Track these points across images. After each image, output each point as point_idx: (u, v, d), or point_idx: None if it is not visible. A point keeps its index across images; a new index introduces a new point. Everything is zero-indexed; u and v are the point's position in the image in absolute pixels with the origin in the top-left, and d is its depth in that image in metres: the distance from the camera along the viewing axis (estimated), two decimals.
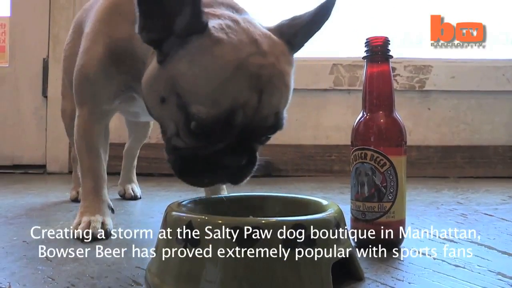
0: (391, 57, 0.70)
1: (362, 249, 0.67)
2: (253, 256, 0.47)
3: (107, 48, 0.76)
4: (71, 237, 0.75)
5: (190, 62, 0.57)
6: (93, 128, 0.83)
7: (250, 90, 0.57)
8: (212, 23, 0.58)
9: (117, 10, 0.76)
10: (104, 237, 0.75)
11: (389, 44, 0.70)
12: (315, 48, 1.84)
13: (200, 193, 0.92)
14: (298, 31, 0.64)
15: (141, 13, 0.57)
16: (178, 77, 0.58)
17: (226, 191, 0.93)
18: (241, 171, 0.63)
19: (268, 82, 0.58)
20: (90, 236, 0.73)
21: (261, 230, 0.47)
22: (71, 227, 0.77)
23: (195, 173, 0.62)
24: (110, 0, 0.78)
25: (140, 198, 1.22)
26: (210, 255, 0.48)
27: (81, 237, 0.73)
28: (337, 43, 1.84)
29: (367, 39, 0.71)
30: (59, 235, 0.77)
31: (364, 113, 0.70)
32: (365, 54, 0.71)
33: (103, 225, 0.77)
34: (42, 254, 0.65)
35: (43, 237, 0.76)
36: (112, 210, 0.85)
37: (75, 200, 1.14)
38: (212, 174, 0.62)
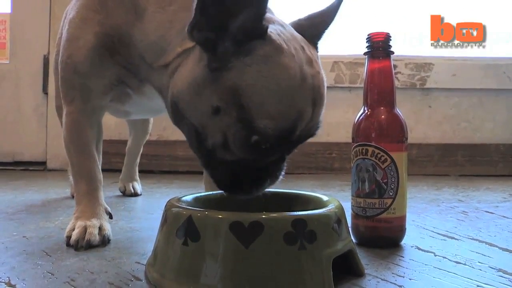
0: (393, 53, 0.70)
1: (362, 245, 0.67)
2: (253, 251, 0.47)
3: (98, 37, 0.69)
4: (65, 244, 0.67)
5: (258, 72, 0.53)
6: (83, 126, 0.76)
7: (308, 103, 0.55)
8: (271, 29, 0.54)
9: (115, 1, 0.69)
10: (101, 244, 0.68)
11: (391, 40, 0.70)
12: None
13: (200, 189, 0.92)
14: (320, 32, 0.63)
15: (198, 8, 0.52)
16: (244, 89, 0.53)
17: None
18: (279, 174, 0.62)
19: (319, 92, 0.57)
20: (84, 243, 0.66)
21: (261, 225, 0.47)
22: (65, 234, 0.69)
23: (245, 186, 0.58)
24: None
25: (141, 195, 1.22)
26: (210, 250, 0.48)
27: (74, 244, 0.66)
28: (338, 40, 1.84)
29: (368, 35, 0.70)
30: (59, 231, 0.76)
31: (365, 109, 0.70)
32: (366, 50, 0.70)
33: (100, 231, 0.69)
34: (42, 249, 0.65)
35: (43, 232, 0.76)
36: (110, 216, 0.76)
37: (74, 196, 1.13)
38: (261, 183, 0.59)
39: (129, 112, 0.92)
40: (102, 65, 0.71)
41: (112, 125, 1.75)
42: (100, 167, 0.79)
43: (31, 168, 1.86)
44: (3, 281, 0.52)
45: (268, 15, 0.56)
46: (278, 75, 0.53)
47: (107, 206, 0.76)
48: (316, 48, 0.62)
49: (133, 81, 0.73)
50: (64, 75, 0.75)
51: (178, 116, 0.61)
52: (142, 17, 0.66)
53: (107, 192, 1.23)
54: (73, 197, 1.13)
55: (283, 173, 0.62)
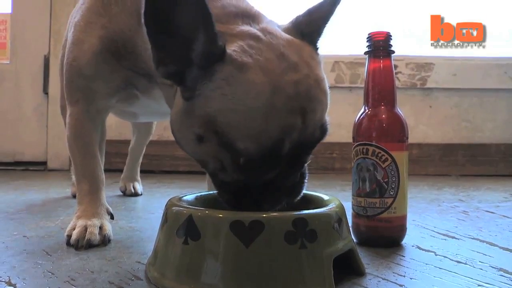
0: (393, 52, 0.70)
1: (363, 245, 0.67)
2: (254, 250, 0.46)
3: (102, 41, 0.69)
4: (65, 243, 0.67)
5: (222, 96, 0.51)
6: (87, 127, 0.76)
7: (292, 113, 0.51)
8: (233, 47, 0.52)
9: (118, 4, 0.69)
10: (101, 244, 0.67)
11: (391, 39, 0.69)
12: None
13: (200, 188, 0.92)
14: (320, 28, 0.60)
15: (153, 45, 0.52)
16: (214, 115, 0.51)
17: None
18: (296, 186, 0.58)
19: (308, 98, 0.53)
20: (85, 242, 0.65)
21: (262, 224, 0.47)
22: (65, 233, 0.69)
23: (253, 204, 0.56)
24: None
25: (141, 195, 1.22)
26: (210, 249, 0.48)
27: (75, 244, 0.66)
28: (338, 40, 1.84)
29: (369, 34, 0.70)
30: (59, 230, 0.76)
31: (366, 108, 0.70)
32: (367, 49, 0.70)
33: (101, 230, 0.69)
34: (42, 248, 0.65)
35: (43, 232, 0.76)
36: (112, 216, 0.76)
37: (76, 196, 1.13)
38: (270, 199, 0.56)
39: (136, 114, 0.91)
40: (108, 69, 0.70)
41: (113, 125, 1.75)
42: (102, 168, 0.79)
43: (32, 168, 1.86)
44: (4, 280, 0.52)
45: (240, 28, 0.55)
46: (243, 94, 0.50)
47: (108, 207, 0.76)
48: (314, 46, 0.59)
49: (143, 83, 0.72)
50: (69, 77, 0.75)
51: (178, 143, 0.60)
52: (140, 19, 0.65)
53: (107, 192, 1.22)
54: (74, 196, 1.13)
55: (304, 185, 0.59)
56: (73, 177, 1.15)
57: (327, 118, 0.59)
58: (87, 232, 0.67)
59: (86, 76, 0.72)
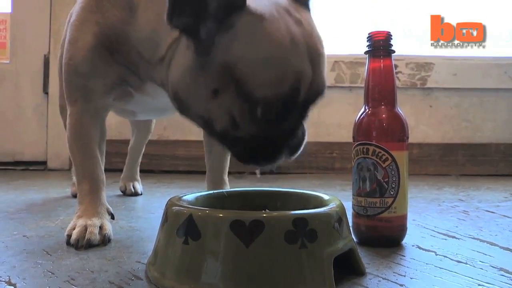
0: (393, 51, 0.70)
1: (363, 245, 0.67)
2: (254, 249, 0.46)
3: (96, 37, 0.70)
4: (65, 243, 0.67)
5: (246, 44, 0.53)
6: (86, 126, 0.76)
7: (306, 63, 0.55)
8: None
9: (111, 2, 0.70)
10: (101, 244, 0.67)
11: (391, 38, 0.69)
12: None
13: (200, 188, 0.92)
14: None
15: None
16: (235, 63, 0.53)
17: (228, 186, 0.93)
18: (300, 144, 0.61)
19: (315, 51, 0.56)
20: (85, 242, 0.65)
21: (262, 224, 0.47)
22: (65, 233, 0.69)
23: (265, 157, 0.59)
24: None
25: (141, 194, 1.22)
26: (211, 249, 0.48)
27: (75, 243, 0.66)
28: (338, 40, 1.84)
29: (369, 34, 0.70)
30: (59, 230, 0.76)
31: (366, 108, 0.70)
32: (367, 49, 0.70)
33: (101, 230, 0.69)
34: (42, 248, 0.65)
35: (43, 232, 0.76)
36: (112, 216, 0.76)
37: (76, 195, 1.13)
38: (278, 154, 0.59)
39: (135, 112, 0.92)
40: (103, 65, 0.71)
41: (113, 124, 1.74)
42: (103, 168, 0.79)
43: (32, 167, 1.86)
44: (4, 280, 0.52)
45: None
46: (265, 41, 0.53)
47: (109, 206, 0.76)
48: (307, 8, 0.61)
49: (134, 79, 0.73)
50: (67, 76, 0.75)
51: (182, 106, 0.61)
52: (135, 13, 0.67)
53: (107, 192, 1.22)
54: (74, 196, 1.14)
55: (304, 142, 0.62)
56: (74, 177, 1.16)
57: None
58: (87, 231, 0.67)
59: (82, 74, 0.73)
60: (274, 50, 0.53)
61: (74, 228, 0.69)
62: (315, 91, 0.58)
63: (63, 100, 1.04)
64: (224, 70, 0.54)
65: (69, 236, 0.68)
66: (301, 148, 0.62)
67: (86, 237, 0.66)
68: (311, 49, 0.56)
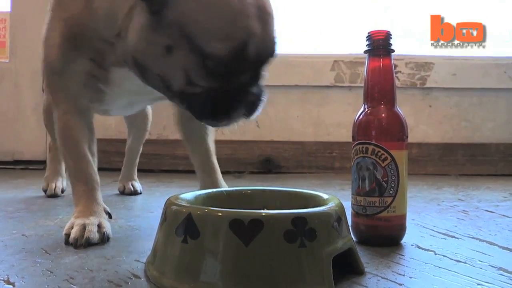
0: (393, 51, 0.69)
1: (363, 244, 0.67)
2: (253, 248, 0.46)
3: (63, 33, 0.72)
4: (64, 243, 0.67)
5: (197, 1, 0.58)
6: (74, 129, 0.77)
7: (256, 20, 0.58)
8: None
9: None
10: (100, 242, 0.67)
11: (391, 38, 0.69)
12: (316, 45, 1.84)
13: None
14: None
15: None
16: (187, 19, 0.57)
17: (219, 171, 0.93)
18: (256, 102, 0.64)
19: (265, 10, 0.61)
20: (84, 241, 0.65)
21: (261, 223, 0.47)
22: (63, 232, 0.69)
23: (221, 113, 0.62)
24: None
25: (141, 193, 1.22)
26: (210, 248, 0.48)
27: (73, 242, 0.66)
28: (338, 40, 1.84)
29: (368, 33, 0.70)
30: (58, 229, 0.76)
31: (366, 107, 0.70)
32: (366, 48, 0.70)
33: (99, 228, 0.69)
34: (41, 247, 0.65)
35: (42, 231, 0.76)
36: (109, 215, 0.76)
37: (45, 191, 1.14)
38: (234, 110, 0.62)
39: (108, 110, 0.91)
40: (72, 60, 0.73)
41: (112, 124, 1.75)
42: (96, 169, 0.78)
43: (31, 167, 1.86)
44: (2, 278, 0.52)
45: None
46: None
47: (105, 206, 0.77)
48: None
49: (100, 72, 0.75)
50: (46, 77, 0.79)
51: (142, 70, 0.65)
52: (91, 1, 0.69)
53: (107, 191, 1.23)
54: (44, 191, 1.14)
55: (261, 101, 0.65)
56: (51, 166, 1.20)
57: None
58: (85, 230, 0.67)
59: (57, 72, 0.75)
60: (223, 5, 0.57)
61: (72, 227, 0.69)
62: (266, 50, 0.61)
63: (46, 114, 1.09)
64: (176, 26, 0.58)
65: (68, 235, 0.67)
66: (258, 108, 0.65)
67: (85, 236, 0.66)
68: (260, 8, 0.60)
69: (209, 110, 0.62)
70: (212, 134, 0.96)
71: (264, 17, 0.60)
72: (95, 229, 0.68)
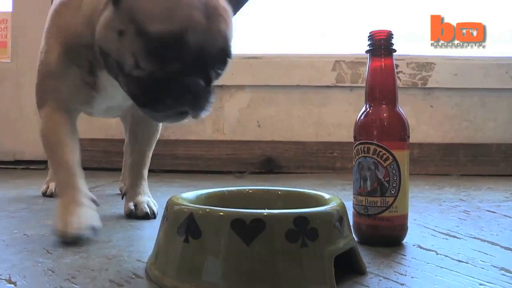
0: (395, 50, 0.69)
1: (364, 244, 0.67)
2: (255, 248, 0.46)
3: (58, 39, 0.77)
4: (55, 239, 0.67)
5: None
6: (58, 123, 0.79)
7: (199, 12, 0.62)
8: None
9: (66, 5, 0.77)
10: (90, 236, 0.67)
11: (393, 37, 0.69)
12: (317, 45, 1.84)
13: (202, 187, 0.92)
14: None
15: None
16: (136, 6, 0.63)
17: (146, 180, 0.93)
18: (200, 98, 0.65)
19: (214, 11, 0.64)
20: (72, 236, 0.65)
21: (263, 223, 0.47)
22: (52, 229, 0.69)
23: (158, 100, 0.64)
24: None
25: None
26: (211, 247, 0.48)
27: (61, 238, 0.66)
28: (339, 40, 1.84)
29: (370, 33, 0.70)
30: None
31: (367, 107, 0.70)
32: (368, 48, 0.70)
33: (85, 220, 0.68)
34: (43, 247, 0.65)
35: (43, 230, 0.76)
36: (96, 203, 0.75)
37: (44, 194, 1.14)
38: (173, 99, 0.64)
39: (92, 112, 0.91)
40: (67, 66, 0.76)
41: (113, 124, 1.75)
42: (79, 163, 0.78)
43: (32, 167, 1.86)
44: (4, 278, 0.52)
45: None
46: None
47: (91, 194, 0.75)
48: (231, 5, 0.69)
49: (90, 78, 0.77)
50: (39, 81, 0.81)
51: (105, 58, 0.69)
52: (80, 7, 0.74)
53: (108, 191, 1.23)
54: (43, 194, 1.14)
55: (208, 101, 0.67)
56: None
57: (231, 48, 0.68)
58: (73, 225, 0.67)
59: (52, 76, 0.78)
60: None
61: (60, 223, 0.68)
62: (210, 44, 0.64)
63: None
64: (127, 12, 0.63)
65: (58, 230, 0.67)
66: (204, 107, 0.67)
67: (74, 232, 0.66)
68: (209, 6, 0.64)
69: (150, 95, 0.64)
70: (152, 148, 0.95)
71: (212, 13, 0.64)
72: (81, 221, 0.68)
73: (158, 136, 0.96)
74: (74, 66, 0.76)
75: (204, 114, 0.68)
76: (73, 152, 0.77)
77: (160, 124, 0.96)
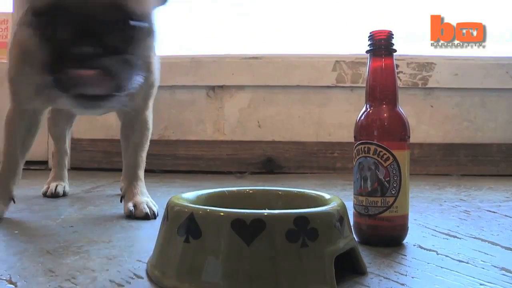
0: (395, 51, 0.69)
1: (365, 244, 0.66)
2: (255, 248, 0.46)
3: (16, 46, 0.79)
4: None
5: None
6: (16, 122, 0.88)
7: None
8: None
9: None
10: None
11: (393, 37, 0.69)
12: (317, 45, 1.84)
13: (202, 187, 0.92)
14: None
15: None
16: None
17: (143, 182, 0.94)
18: (96, 68, 0.62)
19: None
20: None
21: (263, 223, 0.47)
22: None
23: (57, 80, 0.63)
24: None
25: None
26: (211, 247, 0.48)
27: None
28: (339, 40, 1.84)
29: (370, 33, 0.70)
30: (60, 229, 0.76)
31: (368, 107, 0.70)
32: (368, 48, 0.70)
33: None
34: (43, 247, 0.65)
35: (44, 231, 0.76)
36: (13, 200, 0.88)
37: (45, 194, 1.14)
38: (64, 69, 0.62)
39: (73, 110, 1.01)
40: (23, 73, 0.78)
41: (113, 124, 1.74)
42: (23, 159, 0.90)
43: (32, 167, 1.85)
44: (4, 278, 0.52)
45: None
46: None
47: (12, 193, 0.88)
48: None
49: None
50: (8, 81, 0.84)
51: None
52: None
53: (108, 191, 1.23)
54: (43, 193, 1.15)
55: (124, 72, 0.64)
56: (53, 170, 1.23)
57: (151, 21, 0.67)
58: None
59: (11, 80, 0.82)
60: None
61: None
62: (93, 8, 0.60)
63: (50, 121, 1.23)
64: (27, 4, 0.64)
65: None
66: (114, 78, 0.64)
67: None
68: None
69: (53, 76, 0.63)
70: (145, 148, 0.95)
71: None
72: None
73: (149, 137, 0.96)
74: (29, 72, 0.75)
75: (122, 92, 0.65)
76: (19, 150, 0.89)
77: (151, 125, 0.96)
